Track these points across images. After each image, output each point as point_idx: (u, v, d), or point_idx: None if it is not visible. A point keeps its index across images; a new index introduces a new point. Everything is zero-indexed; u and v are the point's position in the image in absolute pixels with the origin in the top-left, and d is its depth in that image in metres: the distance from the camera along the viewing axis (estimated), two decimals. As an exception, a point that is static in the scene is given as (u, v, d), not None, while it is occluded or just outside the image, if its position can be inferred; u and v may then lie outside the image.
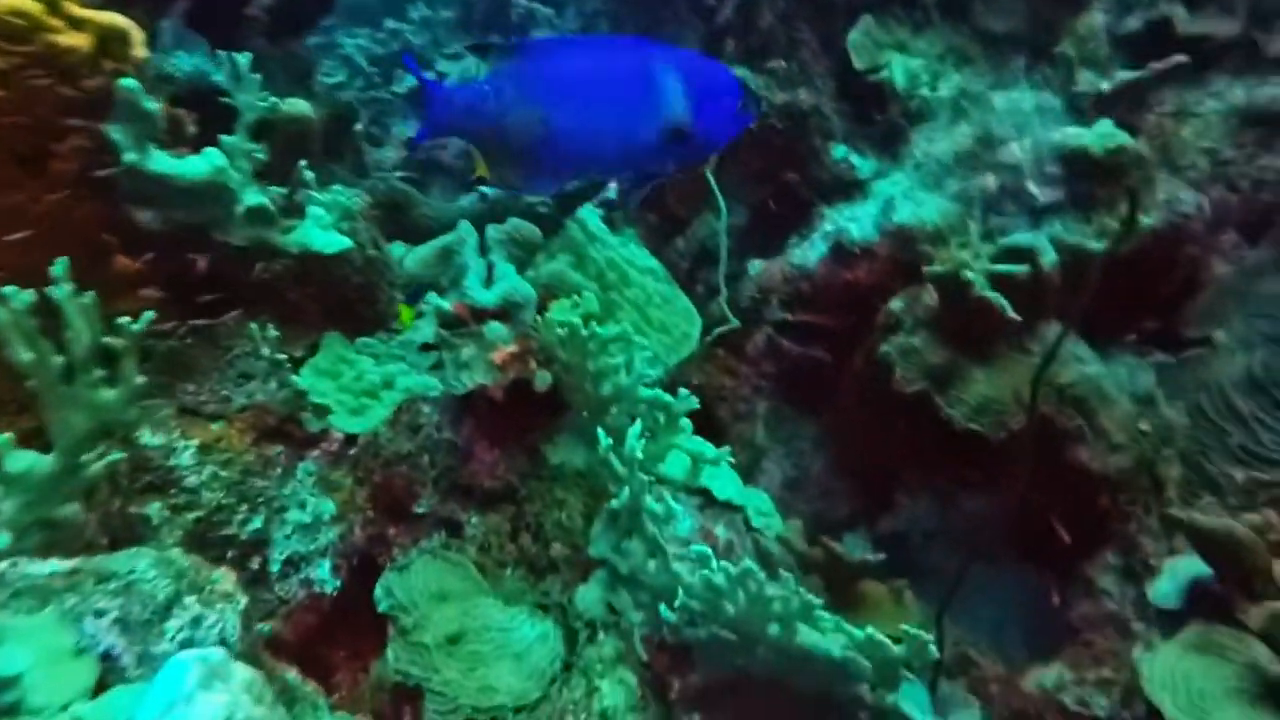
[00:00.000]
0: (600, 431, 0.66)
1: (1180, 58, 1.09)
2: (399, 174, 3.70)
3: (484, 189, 1.28)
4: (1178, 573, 0.77)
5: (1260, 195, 1.01)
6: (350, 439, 0.78)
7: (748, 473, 1.26)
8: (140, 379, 0.63)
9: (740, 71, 1.47)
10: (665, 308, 1.34)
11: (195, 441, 0.68)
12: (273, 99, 0.87)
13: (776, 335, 1.27)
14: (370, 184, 1.15)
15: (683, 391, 0.92)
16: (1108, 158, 1.05)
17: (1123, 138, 1.05)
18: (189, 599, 0.51)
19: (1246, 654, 0.67)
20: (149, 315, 0.64)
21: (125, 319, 0.63)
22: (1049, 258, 1.01)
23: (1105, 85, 1.14)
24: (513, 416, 0.71)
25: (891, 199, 1.20)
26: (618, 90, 0.61)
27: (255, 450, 0.71)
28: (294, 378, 0.76)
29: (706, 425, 1.38)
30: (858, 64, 1.39)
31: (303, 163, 0.87)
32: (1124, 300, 1.04)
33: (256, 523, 0.67)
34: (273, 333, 0.76)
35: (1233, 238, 1.01)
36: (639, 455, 0.63)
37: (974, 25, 1.37)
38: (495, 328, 0.69)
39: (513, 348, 0.68)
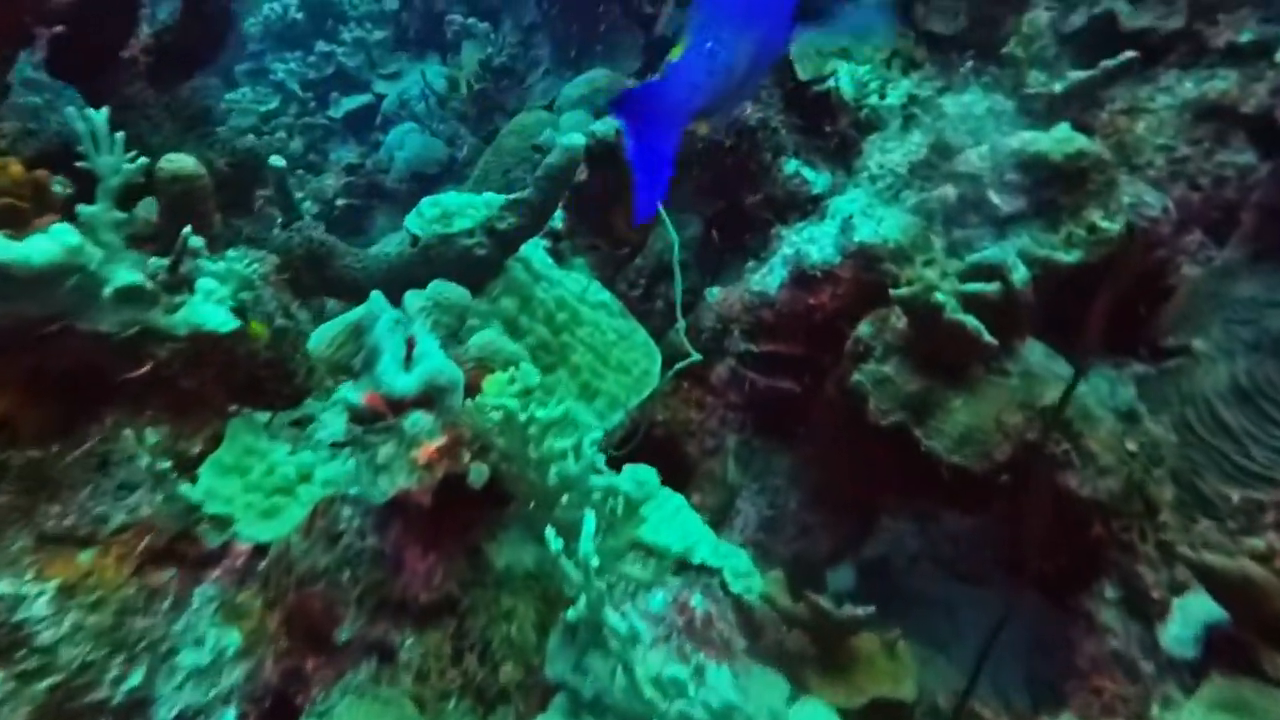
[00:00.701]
0: (550, 530, 0.55)
1: (1130, 54, 1.04)
2: (341, 202, 3.50)
3: (415, 231, 1.15)
4: (1190, 616, 0.70)
5: (1222, 192, 0.95)
6: (260, 550, 0.65)
7: (720, 515, 1.17)
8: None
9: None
10: (622, 344, 1.23)
11: (55, 582, 0.54)
12: (143, 159, 0.73)
13: (741, 367, 1.18)
14: (285, 238, 1.01)
15: (641, 474, 0.82)
16: (1068, 163, 0.98)
17: (1081, 141, 0.98)
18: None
19: None
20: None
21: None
22: (1020, 274, 0.94)
23: (1057, 86, 1.08)
24: (448, 515, 0.60)
25: (850, 217, 1.11)
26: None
27: (137, 581, 0.58)
28: (185, 487, 0.63)
29: (675, 462, 1.28)
30: (802, 74, 1.31)
31: (186, 229, 0.74)
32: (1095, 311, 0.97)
33: (135, 678, 0.54)
34: (152, 437, 0.63)
35: (1199, 238, 0.96)
36: (594, 560, 0.53)
37: (917, 28, 1.30)
38: (417, 419, 0.58)
39: (440, 440, 0.57)
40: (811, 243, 1.13)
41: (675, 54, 0.61)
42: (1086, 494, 0.87)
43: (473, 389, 0.65)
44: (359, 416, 0.60)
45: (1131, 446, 0.87)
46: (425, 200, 1.22)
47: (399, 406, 0.59)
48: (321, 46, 3.62)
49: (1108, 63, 1.04)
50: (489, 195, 1.26)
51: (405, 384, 0.58)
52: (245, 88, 3.71)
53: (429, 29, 3.57)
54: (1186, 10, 1.01)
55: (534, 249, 1.26)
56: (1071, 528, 0.88)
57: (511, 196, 1.14)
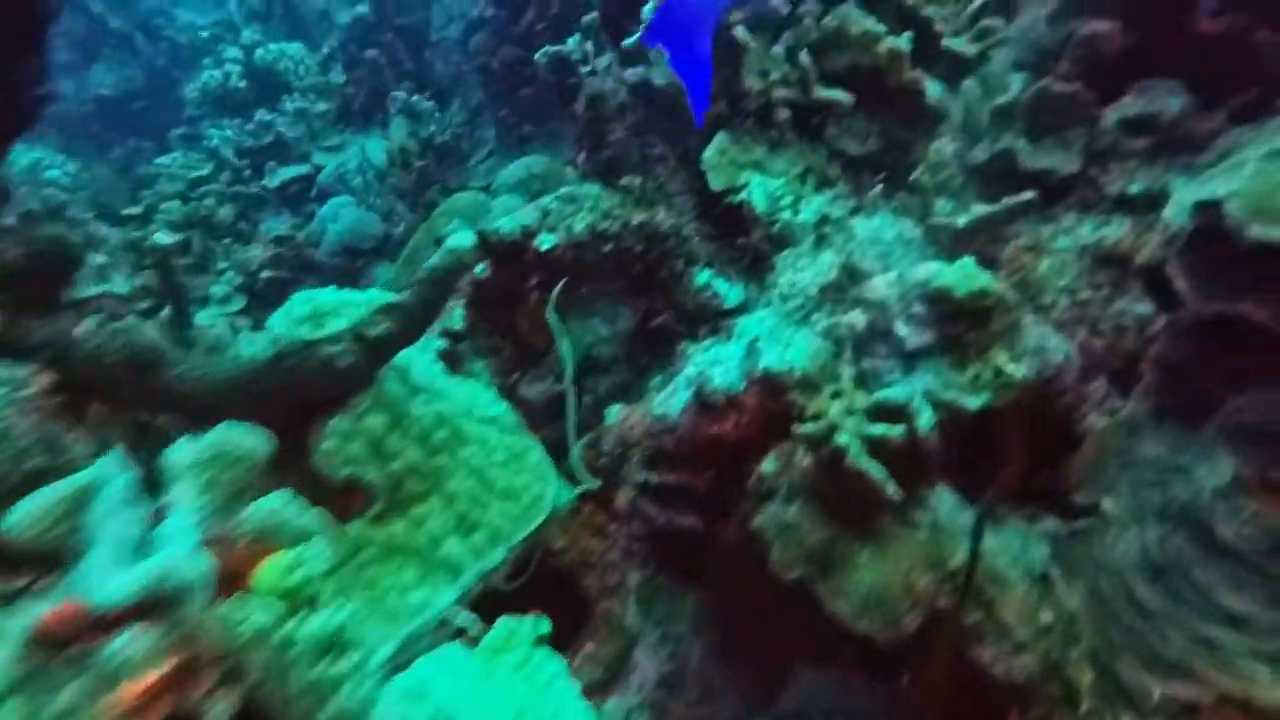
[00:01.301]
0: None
1: (1029, 194, 1.02)
2: (266, 274, 3.32)
3: (279, 331, 1.02)
4: None
5: (1123, 340, 0.92)
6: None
7: (616, 668, 1.03)
8: None
9: (590, 186, 1.32)
10: (512, 465, 1.11)
11: None
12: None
13: (640, 499, 1.07)
14: (98, 341, 0.85)
15: (522, 628, 0.69)
16: (971, 300, 0.93)
17: (984, 279, 0.94)
18: None
19: None
20: None
21: None
22: (925, 418, 0.87)
23: (961, 219, 1.05)
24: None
25: (756, 340, 1.04)
26: None
27: None
28: None
29: (572, 598, 1.14)
30: (714, 184, 1.27)
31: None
32: (1003, 459, 0.91)
33: None
34: None
35: (1104, 386, 0.91)
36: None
37: (829, 146, 1.29)
38: (126, 641, 0.42)
39: (160, 669, 0.42)
40: (716, 365, 1.05)
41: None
42: (1001, 673, 0.77)
43: (242, 577, 0.51)
44: (43, 640, 0.44)
45: (1046, 618, 0.78)
46: (298, 296, 1.10)
47: (105, 623, 0.43)
48: (262, 115, 3.53)
49: (1010, 200, 1.02)
50: (372, 293, 1.15)
51: (116, 589, 0.43)
52: (177, 152, 3.57)
53: (374, 103, 3.54)
54: (1082, 155, 1.01)
55: (419, 355, 1.14)
56: (985, 712, 0.77)
57: (389, 299, 1.03)
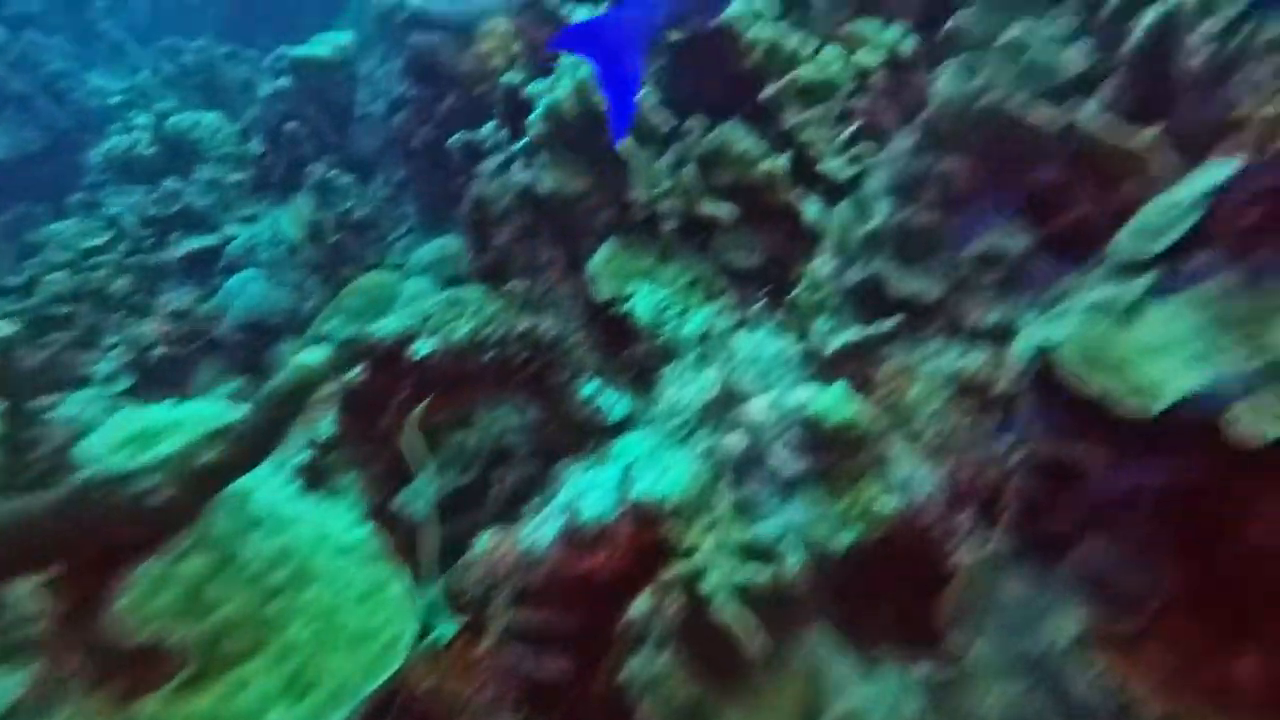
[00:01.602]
0: None
1: (897, 318, 1.04)
2: (160, 351, 3.10)
3: (95, 452, 0.91)
4: None
5: (988, 472, 0.92)
6: None
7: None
8: None
9: (474, 290, 1.28)
10: (368, 603, 1.00)
11: None
12: None
13: (508, 638, 0.98)
14: None
15: None
16: (842, 430, 0.92)
17: (854, 408, 0.93)
18: None
19: None
20: None
21: None
22: (795, 559, 0.84)
23: (836, 341, 1.06)
24: None
25: (631, 465, 0.99)
26: None
27: None
28: None
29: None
30: (600, 293, 1.25)
31: None
32: (875, 597, 0.88)
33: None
34: None
35: (970, 518, 0.91)
36: None
37: (716, 258, 1.29)
38: None
39: None
40: (590, 491, 1.00)
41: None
42: None
43: None
44: None
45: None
46: (121, 413, 0.98)
47: None
48: (170, 183, 3.38)
49: (877, 326, 1.03)
50: (215, 407, 1.04)
51: None
52: (73, 219, 3.37)
53: (294, 175, 3.46)
54: (944, 283, 1.04)
55: (267, 478, 1.03)
56: None
57: (225, 421, 0.93)
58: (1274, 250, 0.70)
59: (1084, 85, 0.95)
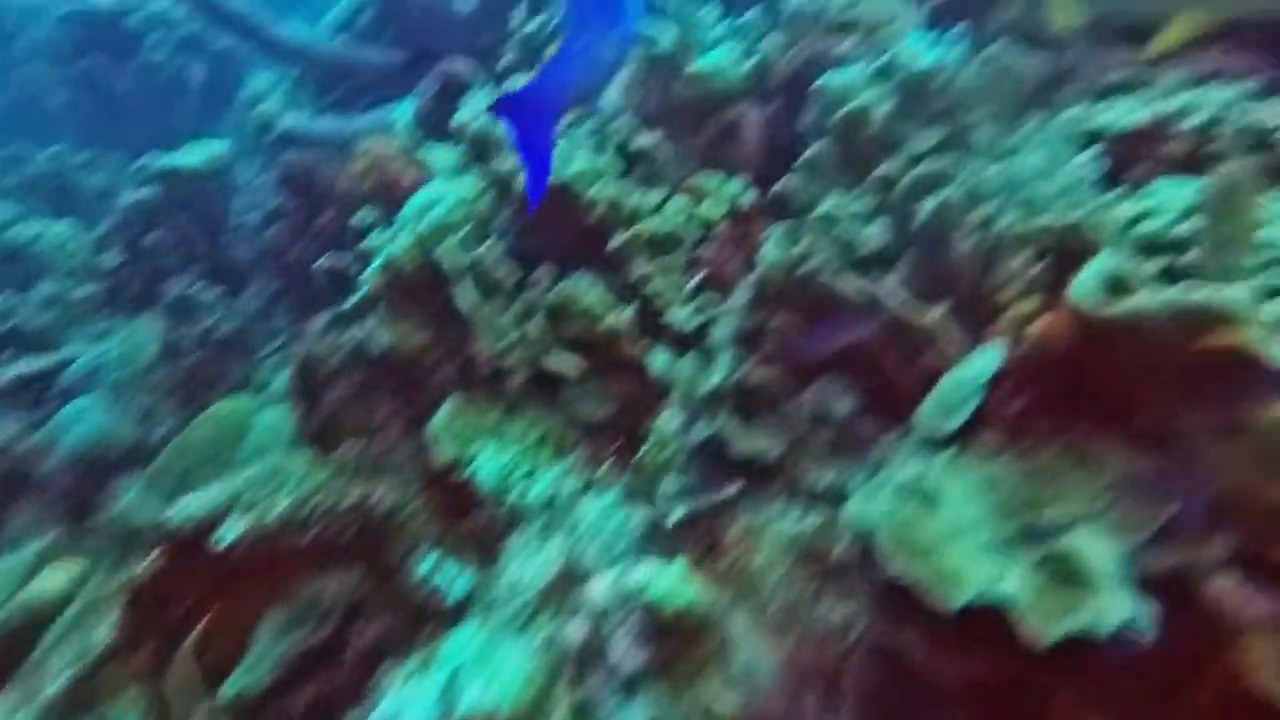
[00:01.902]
0: None
1: (739, 483, 1.02)
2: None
3: None
4: None
5: (829, 650, 0.89)
6: None
7: None
8: None
9: (298, 457, 1.16)
10: None
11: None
12: None
13: None
14: None
15: None
16: (680, 617, 0.87)
17: (692, 592, 0.88)
18: None
19: None
20: None
21: None
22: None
23: (680, 508, 1.02)
24: None
25: (458, 671, 0.89)
26: None
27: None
28: None
29: None
30: (441, 455, 1.16)
31: None
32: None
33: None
34: None
35: (814, 706, 0.86)
36: None
37: (564, 412, 1.25)
38: None
39: None
40: (409, 705, 0.88)
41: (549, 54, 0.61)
42: None
43: None
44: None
45: None
46: None
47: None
48: (1, 300, 3.04)
49: (719, 493, 1.01)
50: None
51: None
52: None
53: (150, 289, 3.20)
54: (783, 442, 1.04)
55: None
56: None
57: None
58: (1041, 436, 0.74)
59: (884, 261, 1.01)
